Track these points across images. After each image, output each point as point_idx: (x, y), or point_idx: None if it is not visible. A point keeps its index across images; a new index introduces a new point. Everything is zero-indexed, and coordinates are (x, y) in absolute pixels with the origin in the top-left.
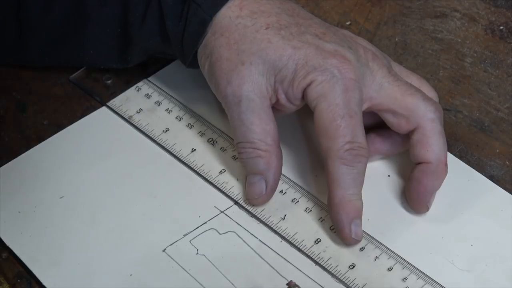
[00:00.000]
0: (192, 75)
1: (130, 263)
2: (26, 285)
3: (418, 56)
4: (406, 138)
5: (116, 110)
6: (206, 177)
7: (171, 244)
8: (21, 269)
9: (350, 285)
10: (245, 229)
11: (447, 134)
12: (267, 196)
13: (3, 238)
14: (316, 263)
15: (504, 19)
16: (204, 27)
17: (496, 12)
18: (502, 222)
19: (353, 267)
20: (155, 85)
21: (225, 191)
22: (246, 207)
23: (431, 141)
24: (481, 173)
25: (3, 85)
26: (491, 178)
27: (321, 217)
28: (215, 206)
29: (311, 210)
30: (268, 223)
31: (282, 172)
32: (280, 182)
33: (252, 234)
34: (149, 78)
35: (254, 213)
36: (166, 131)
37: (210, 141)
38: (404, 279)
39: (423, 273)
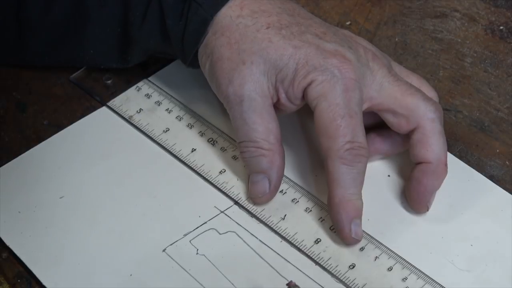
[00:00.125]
0: (192, 75)
1: (130, 263)
2: (26, 285)
3: (418, 56)
4: (406, 138)
5: (116, 110)
6: (206, 177)
7: (171, 244)
8: (21, 269)
9: (350, 285)
10: (245, 229)
11: (447, 134)
12: (270, 194)
13: (3, 238)
14: (316, 263)
15: (504, 19)
16: (205, 27)
17: (496, 12)
18: (502, 222)
19: (353, 267)
20: (155, 85)
21: (225, 191)
22: (246, 207)
23: (431, 141)
24: (481, 173)
25: (3, 85)
26: (491, 178)
27: (321, 217)
28: (215, 206)
29: (311, 210)
30: (268, 223)
31: None
32: None
33: (252, 234)
34: (149, 78)
35: (254, 213)
36: (166, 131)
37: (210, 141)
38: (404, 279)
39: (423, 273)
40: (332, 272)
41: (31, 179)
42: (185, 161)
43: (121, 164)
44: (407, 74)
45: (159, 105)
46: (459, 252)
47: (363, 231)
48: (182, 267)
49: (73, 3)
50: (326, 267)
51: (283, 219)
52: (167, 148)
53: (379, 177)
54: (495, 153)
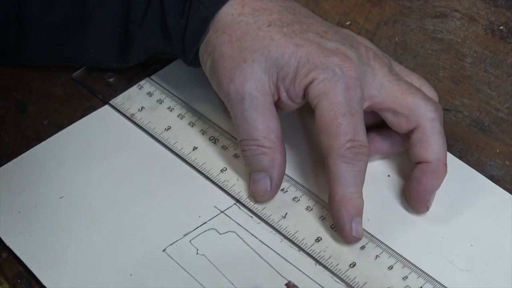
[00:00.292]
0: (193, 74)
1: (130, 263)
2: (26, 285)
3: (418, 56)
4: (406, 137)
5: (118, 108)
6: (207, 175)
7: (171, 244)
8: (21, 269)
9: (351, 283)
10: (245, 229)
11: (447, 134)
12: (272, 192)
13: (3, 238)
14: (317, 261)
15: (504, 19)
16: (206, 25)
17: (496, 12)
18: (502, 222)
19: (354, 265)
20: (157, 83)
21: (226, 189)
22: (247, 205)
23: (431, 141)
24: (481, 173)
25: (3, 85)
26: (491, 178)
27: (322, 216)
28: (215, 206)
29: (312, 209)
30: (269, 221)
31: None
32: None
33: (252, 234)
34: (151, 77)
35: (255, 211)
36: (168, 129)
37: (212, 139)
38: (405, 278)
39: (423, 272)
40: (333, 270)
41: (31, 179)
42: (186, 159)
43: (121, 164)
44: (407, 73)
45: (160, 103)
46: (459, 252)
47: (364, 230)
48: (182, 267)
49: (74, 2)
50: (326, 265)
51: (284, 217)
52: (169, 146)
53: (379, 177)
54: (495, 153)
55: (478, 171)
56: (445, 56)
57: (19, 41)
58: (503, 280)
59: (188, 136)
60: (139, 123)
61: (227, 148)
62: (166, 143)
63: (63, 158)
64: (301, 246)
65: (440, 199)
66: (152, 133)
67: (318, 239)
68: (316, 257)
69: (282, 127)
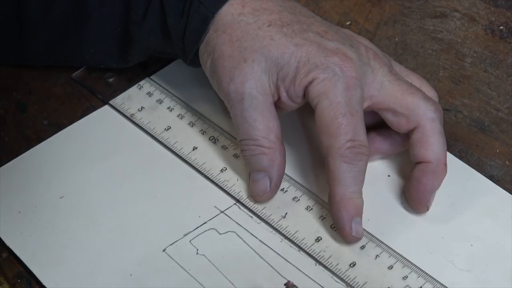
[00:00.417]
0: (193, 74)
1: (130, 263)
2: (26, 285)
3: (418, 56)
4: (406, 137)
5: (118, 108)
6: (207, 175)
7: (171, 244)
8: (21, 269)
9: (351, 283)
10: (245, 229)
11: (447, 134)
12: (271, 192)
13: (3, 238)
14: (317, 261)
15: (504, 19)
16: (206, 24)
17: (496, 12)
18: (502, 222)
19: (354, 265)
20: (157, 83)
21: (226, 189)
22: (247, 205)
23: (431, 141)
24: (481, 173)
25: (3, 85)
26: (491, 178)
27: (322, 216)
28: (215, 206)
29: (312, 209)
30: (269, 221)
31: None
32: None
33: (252, 234)
34: (151, 77)
35: (255, 211)
36: (168, 129)
37: (212, 139)
38: (405, 278)
39: (423, 271)
40: (333, 270)
41: (31, 179)
42: (186, 159)
43: (122, 164)
44: (407, 73)
45: (160, 103)
46: (459, 252)
47: (364, 230)
48: (182, 267)
49: (74, 2)
50: (326, 265)
51: (284, 217)
52: (168, 146)
53: (379, 177)
54: (495, 153)
55: (478, 171)
56: (445, 56)
57: (19, 41)
58: (503, 280)
59: (188, 136)
60: (139, 123)
61: (227, 148)
62: (166, 143)
63: (63, 158)
64: (301, 246)
65: (440, 199)
66: (152, 133)
67: (318, 239)
68: (316, 257)
69: (282, 127)
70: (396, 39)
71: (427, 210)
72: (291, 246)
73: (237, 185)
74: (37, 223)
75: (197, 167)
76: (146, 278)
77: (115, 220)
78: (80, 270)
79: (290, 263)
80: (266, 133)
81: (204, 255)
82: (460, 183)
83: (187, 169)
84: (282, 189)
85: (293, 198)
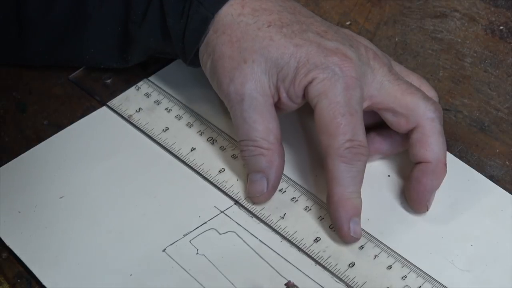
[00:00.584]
0: (191, 75)
1: (130, 263)
2: (26, 285)
3: (418, 56)
4: (406, 137)
5: (115, 109)
6: (206, 176)
7: (171, 244)
8: (21, 269)
9: (350, 283)
10: (245, 229)
11: (447, 134)
12: (268, 194)
13: (3, 238)
14: (316, 262)
15: (504, 19)
16: (206, 25)
17: (496, 12)
18: (502, 222)
19: (353, 265)
20: (154, 84)
21: (224, 190)
22: (245, 205)
23: (431, 141)
24: (481, 173)
25: (3, 85)
26: (491, 178)
27: (320, 216)
28: (215, 206)
29: (310, 209)
30: (267, 222)
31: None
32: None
33: (252, 234)
34: (149, 78)
35: (253, 211)
36: (166, 130)
37: (210, 140)
38: (404, 277)
39: (422, 271)
40: (332, 270)
41: (31, 179)
42: (184, 160)
43: (121, 164)
44: (407, 73)
45: (158, 104)
46: (459, 252)
47: (363, 230)
48: (182, 267)
49: (74, 2)
50: (325, 265)
51: (283, 218)
52: (167, 147)
53: (379, 177)
54: (495, 153)
55: (478, 171)
56: (445, 56)
57: (19, 41)
58: (503, 280)
59: (186, 137)
60: (137, 124)
61: (225, 148)
62: (164, 144)
63: (63, 158)
64: (300, 246)
65: (440, 199)
66: (150, 134)
67: (317, 239)
68: (315, 257)
69: (281, 127)
70: (396, 39)
71: (427, 210)
72: (291, 246)
73: (236, 186)
74: (37, 223)
75: (195, 168)
76: (146, 278)
77: (115, 220)
78: (80, 270)
79: (290, 263)
80: (265, 134)
81: (204, 255)
82: (460, 183)
83: (186, 169)
84: (281, 190)
85: (292, 199)
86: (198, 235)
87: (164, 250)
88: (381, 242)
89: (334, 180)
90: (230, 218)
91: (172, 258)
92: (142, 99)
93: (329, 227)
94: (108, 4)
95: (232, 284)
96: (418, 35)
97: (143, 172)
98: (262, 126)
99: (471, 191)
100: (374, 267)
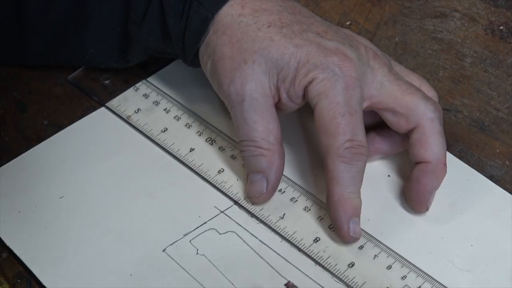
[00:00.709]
0: (191, 75)
1: (130, 263)
2: (26, 285)
3: (418, 56)
4: (406, 137)
5: (114, 110)
6: (205, 177)
7: (171, 244)
8: (21, 269)
9: (350, 283)
10: (245, 229)
11: (447, 134)
12: (267, 194)
13: (3, 238)
14: (316, 262)
15: (504, 19)
16: (206, 25)
17: (496, 12)
18: (502, 222)
19: (353, 265)
20: (153, 85)
21: (223, 190)
22: (244, 206)
23: (430, 141)
24: (481, 173)
25: (3, 85)
26: (491, 178)
27: (320, 216)
28: (215, 206)
29: (310, 209)
30: (267, 222)
31: None
32: None
33: (252, 234)
34: (148, 79)
35: (252, 212)
36: (165, 130)
37: (209, 140)
38: (403, 277)
39: (422, 271)
40: (332, 270)
41: (31, 179)
42: (183, 161)
43: (121, 164)
44: (407, 73)
45: (157, 105)
46: (459, 252)
47: (363, 230)
48: (182, 267)
49: (74, 2)
50: (325, 265)
51: (282, 218)
52: (166, 148)
53: (379, 177)
54: (495, 153)
55: (478, 171)
56: (445, 56)
57: (19, 41)
58: (503, 280)
59: (185, 138)
60: (135, 125)
61: (224, 149)
62: (163, 145)
63: (63, 158)
64: (300, 246)
65: (440, 199)
66: (149, 135)
67: (316, 240)
68: (314, 258)
69: (281, 127)
70: (396, 39)
71: (427, 210)
72: (291, 246)
73: (235, 187)
74: (37, 223)
75: (194, 169)
76: (146, 278)
77: (115, 220)
78: (80, 270)
79: (290, 263)
80: (265, 135)
81: (204, 255)
82: (460, 183)
83: (186, 170)
84: (280, 190)
85: (291, 199)
86: (198, 235)
87: (164, 250)
88: (380, 242)
89: (334, 180)
90: (230, 218)
91: (172, 258)
92: (141, 99)
93: (329, 227)
94: (108, 4)
95: (232, 284)
96: (418, 35)
97: (143, 172)
98: (262, 126)
99: (471, 191)
100: (374, 267)
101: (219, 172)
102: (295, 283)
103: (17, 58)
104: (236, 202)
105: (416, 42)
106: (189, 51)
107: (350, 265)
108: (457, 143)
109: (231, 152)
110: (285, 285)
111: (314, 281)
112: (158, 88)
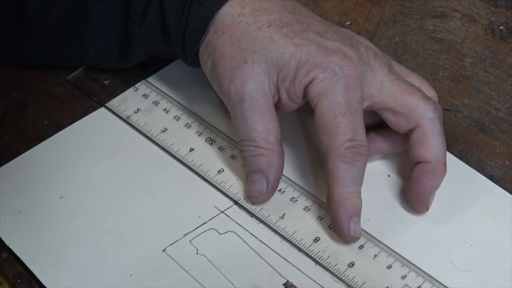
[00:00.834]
0: (190, 75)
1: (130, 263)
2: (26, 285)
3: (418, 56)
4: (406, 137)
5: (114, 110)
6: (205, 177)
7: (171, 244)
8: (21, 269)
9: (350, 283)
10: (245, 229)
11: (447, 134)
12: (267, 194)
13: (3, 238)
14: (316, 261)
15: (504, 19)
16: (206, 25)
17: (496, 12)
18: (502, 222)
19: (353, 265)
20: (152, 85)
21: (223, 190)
22: (244, 206)
23: (430, 141)
24: (481, 173)
25: (3, 85)
26: (491, 178)
27: (320, 216)
28: (215, 206)
29: (310, 209)
30: (267, 222)
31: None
32: None
33: (252, 234)
34: (147, 79)
35: (252, 212)
36: (164, 131)
37: (208, 140)
38: (404, 277)
39: (422, 270)
40: (332, 270)
41: (31, 179)
42: (183, 161)
43: (121, 164)
44: (407, 73)
45: (156, 105)
46: (459, 252)
47: (363, 230)
48: (182, 267)
49: (74, 2)
50: (325, 265)
51: (282, 218)
52: (165, 148)
53: (379, 177)
54: (495, 153)
55: (478, 171)
56: (445, 56)
57: (19, 41)
58: (503, 280)
59: (185, 138)
60: (135, 125)
61: (224, 149)
62: (162, 145)
63: (63, 158)
64: (300, 246)
65: (440, 199)
66: (149, 135)
67: (316, 239)
68: (314, 257)
69: (281, 127)
70: (396, 39)
71: (427, 210)
72: (291, 246)
73: (235, 187)
74: (37, 223)
75: (194, 169)
76: (146, 278)
77: (115, 220)
78: (80, 270)
79: (290, 263)
80: (265, 135)
81: (204, 255)
82: (460, 183)
83: (186, 170)
84: (280, 190)
85: (291, 199)
86: (198, 235)
87: (164, 250)
88: (380, 242)
89: (334, 179)
90: (230, 218)
91: (172, 258)
92: (140, 100)
93: (329, 227)
94: (108, 4)
95: (232, 284)
96: (418, 35)
97: (143, 172)
98: (262, 126)
99: (471, 191)
100: (374, 267)
101: (219, 172)
102: (294, 283)
103: (17, 58)
104: (236, 202)
105: (416, 42)
106: (189, 51)
107: (350, 265)
108: (457, 143)
109: (231, 152)
110: (283, 284)
111: (314, 281)
112: (158, 88)
